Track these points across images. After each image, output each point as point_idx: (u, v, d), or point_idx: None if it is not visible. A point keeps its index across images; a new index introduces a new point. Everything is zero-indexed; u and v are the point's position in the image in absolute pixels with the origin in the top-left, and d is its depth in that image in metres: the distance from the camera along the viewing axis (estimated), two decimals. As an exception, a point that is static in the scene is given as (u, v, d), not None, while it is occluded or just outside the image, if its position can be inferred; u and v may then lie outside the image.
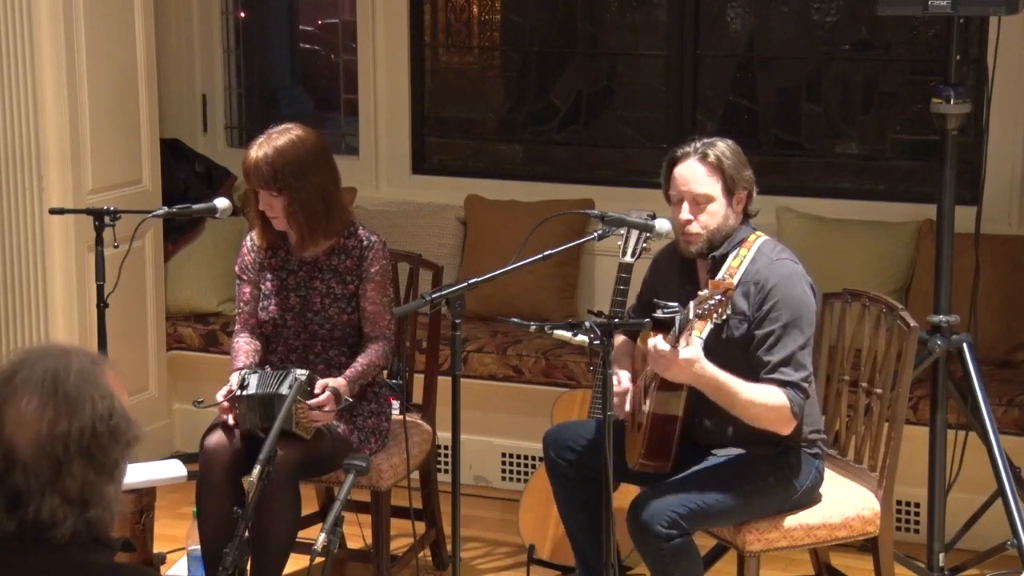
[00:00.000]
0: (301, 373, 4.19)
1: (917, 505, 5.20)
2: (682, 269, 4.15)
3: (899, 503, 5.09)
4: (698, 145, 4.04)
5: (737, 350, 3.95)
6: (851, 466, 4.30)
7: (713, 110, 6.22)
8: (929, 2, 4.35)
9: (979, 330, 4.85)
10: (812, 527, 4.08)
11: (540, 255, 3.98)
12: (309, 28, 7.24)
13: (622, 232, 4.72)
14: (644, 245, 4.74)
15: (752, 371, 3.92)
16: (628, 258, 4.78)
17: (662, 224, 4.16)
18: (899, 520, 5.19)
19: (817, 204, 5.84)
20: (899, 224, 5.64)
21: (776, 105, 6.21)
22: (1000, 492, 4.54)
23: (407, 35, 6.45)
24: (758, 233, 4.09)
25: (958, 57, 4.58)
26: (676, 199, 4.06)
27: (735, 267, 3.98)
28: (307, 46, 7.31)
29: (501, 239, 5.84)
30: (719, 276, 3.92)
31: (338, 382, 4.33)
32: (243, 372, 4.34)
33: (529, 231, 4.06)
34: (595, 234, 4.08)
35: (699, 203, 4.01)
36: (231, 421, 4.32)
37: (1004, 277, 5.36)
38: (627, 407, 4.12)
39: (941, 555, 4.70)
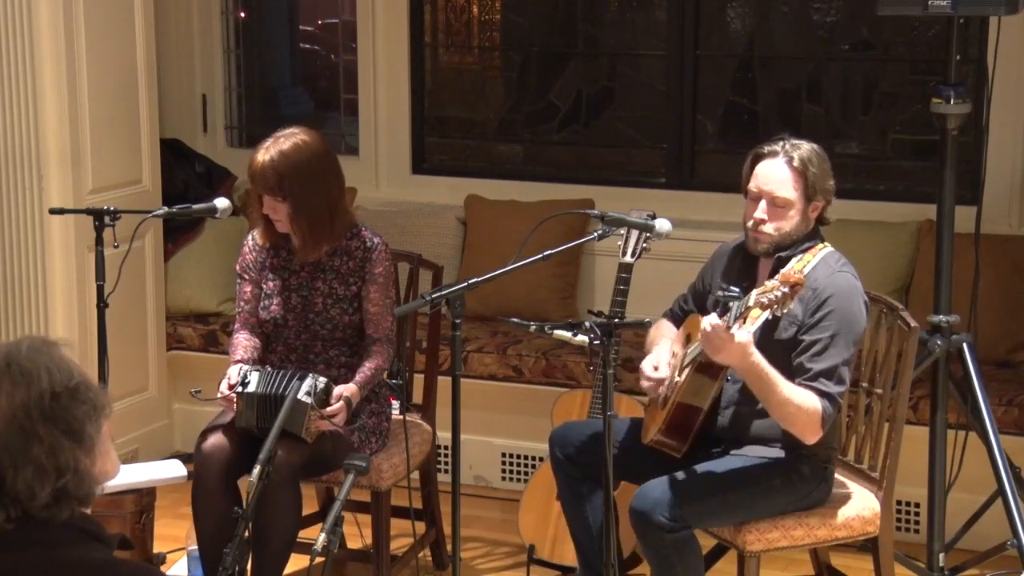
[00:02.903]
0: (321, 380, 4.20)
1: (917, 505, 5.20)
2: (743, 265, 4.13)
3: (899, 503, 5.09)
4: (787, 146, 4.01)
5: (782, 352, 3.92)
6: (851, 466, 4.30)
7: (713, 110, 6.22)
8: (929, 2, 4.35)
9: (979, 330, 4.84)
10: (812, 527, 4.08)
11: (540, 255, 3.98)
12: (309, 28, 7.24)
13: (622, 232, 4.71)
14: (644, 245, 4.74)
15: (792, 375, 3.90)
16: (628, 258, 4.78)
17: (662, 224, 4.15)
18: (899, 520, 5.19)
19: (817, 204, 5.83)
20: (899, 224, 5.64)
21: (776, 105, 6.20)
22: (1000, 492, 4.54)
23: (407, 35, 6.45)
24: (825, 244, 4.07)
25: (958, 57, 4.58)
26: (755, 195, 4.03)
27: (797, 270, 3.96)
28: (307, 46, 7.31)
29: (501, 239, 5.83)
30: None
31: (351, 389, 4.34)
32: (244, 368, 4.34)
33: (529, 231, 4.05)
34: (595, 234, 4.07)
35: (777, 205, 3.99)
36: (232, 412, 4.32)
37: (1004, 277, 5.36)
38: (660, 389, 4.09)
39: (941, 555, 4.70)
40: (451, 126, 6.67)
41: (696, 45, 6.12)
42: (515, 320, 3.97)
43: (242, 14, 6.85)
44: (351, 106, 6.66)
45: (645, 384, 4.12)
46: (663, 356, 4.13)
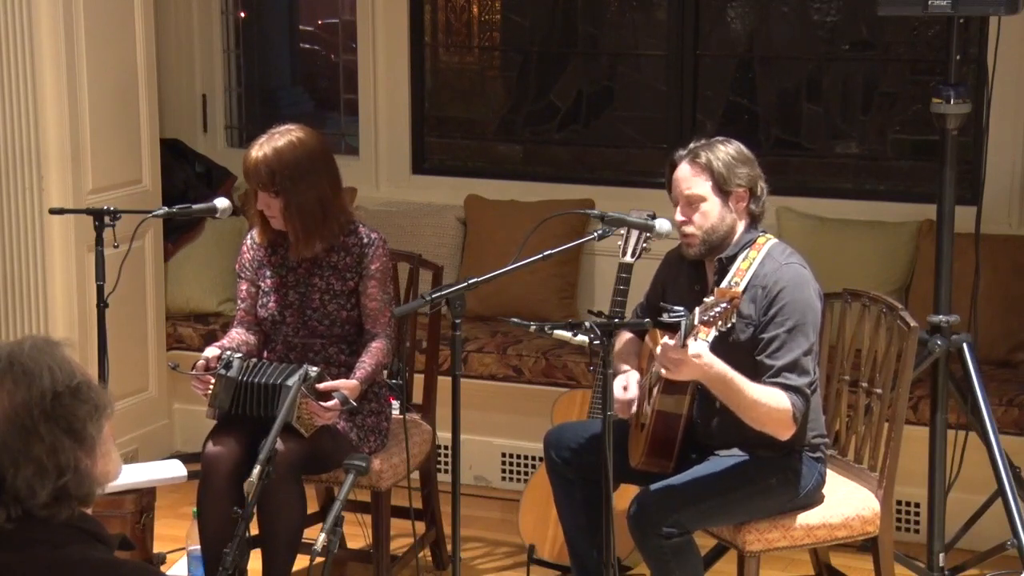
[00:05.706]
0: (313, 369, 4.20)
1: (917, 505, 5.20)
2: (692, 270, 4.15)
3: (899, 503, 5.09)
4: (693, 146, 4.08)
5: (743, 355, 3.93)
6: (851, 466, 4.30)
7: (713, 110, 6.22)
8: (929, 2, 4.35)
9: (979, 330, 4.85)
10: (812, 527, 4.08)
11: (540, 255, 3.98)
12: (309, 28, 7.24)
13: (622, 232, 4.72)
14: (644, 245, 4.75)
15: (756, 375, 3.91)
16: (628, 258, 4.78)
17: (662, 224, 4.15)
18: (899, 520, 5.19)
19: (817, 204, 5.84)
20: (899, 224, 5.64)
21: (776, 105, 6.21)
22: (1000, 492, 4.54)
23: (407, 35, 6.45)
24: (768, 236, 4.08)
25: (958, 57, 4.58)
26: (674, 201, 4.09)
27: (744, 269, 3.96)
28: (307, 46, 7.31)
29: (501, 239, 5.84)
30: (727, 280, 3.90)
31: (350, 384, 4.33)
32: (228, 353, 4.35)
33: (529, 231, 4.06)
34: (595, 234, 4.07)
35: (692, 203, 4.03)
36: (204, 393, 4.33)
37: (1004, 277, 5.36)
38: (632, 409, 4.11)
39: (941, 555, 4.70)
40: (451, 126, 6.67)
41: (696, 45, 6.12)
42: (515, 320, 3.96)
43: (242, 14, 6.85)
44: (351, 106, 6.66)
45: (615, 408, 4.10)
46: (633, 376, 4.15)
